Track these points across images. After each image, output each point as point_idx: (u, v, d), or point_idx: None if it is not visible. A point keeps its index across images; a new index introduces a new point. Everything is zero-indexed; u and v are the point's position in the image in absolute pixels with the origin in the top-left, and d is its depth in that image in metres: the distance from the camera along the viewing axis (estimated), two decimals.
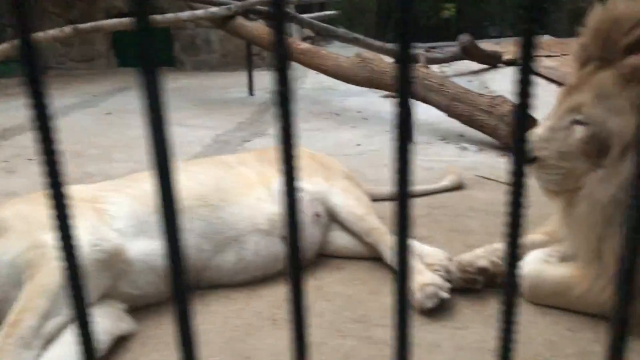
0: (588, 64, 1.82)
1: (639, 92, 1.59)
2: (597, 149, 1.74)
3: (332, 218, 2.34)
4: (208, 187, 2.14)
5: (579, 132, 1.77)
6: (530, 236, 2.24)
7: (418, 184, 3.23)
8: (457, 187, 3.21)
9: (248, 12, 6.07)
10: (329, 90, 6.59)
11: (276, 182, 2.34)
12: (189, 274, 1.90)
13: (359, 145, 4.27)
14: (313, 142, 4.42)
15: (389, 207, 2.92)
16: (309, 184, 2.35)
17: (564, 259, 2.00)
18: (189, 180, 2.15)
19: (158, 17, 5.60)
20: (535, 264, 1.96)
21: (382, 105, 5.64)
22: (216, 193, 2.13)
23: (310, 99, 6.10)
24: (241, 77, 6.94)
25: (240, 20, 5.88)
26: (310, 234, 2.23)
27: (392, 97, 5.44)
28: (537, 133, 1.91)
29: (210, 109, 5.83)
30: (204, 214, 2.05)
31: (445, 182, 3.19)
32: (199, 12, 5.86)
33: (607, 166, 1.69)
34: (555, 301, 1.91)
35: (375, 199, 3.02)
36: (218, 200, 2.11)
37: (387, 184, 3.28)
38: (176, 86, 7.25)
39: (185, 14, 5.85)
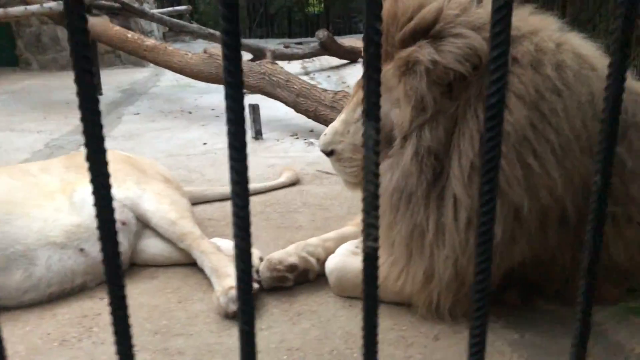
0: None
1: (412, 84, 1.62)
2: (384, 140, 1.77)
3: (145, 225, 2.20)
4: None
5: None
6: (343, 229, 2.26)
7: (258, 181, 3.18)
8: (294, 182, 3.20)
9: (91, 7, 5.68)
10: (187, 88, 6.37)
11: (81, 189, 2.16)
12: None
13: (205, 144, 4.14)
14: (157, 142, 4.22)
15: (217, 208, 2.84)
16: (118, 190, 2.20)
17: None
18: None
19: None
20: (341, 257, 1.97)
21: None
22: (1, 205, 1.92)
23: (163, 98, 5.84)
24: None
25: None
26: None
27: (250, 93, 5.38)
28: (333, 127, 1.92)
29: (50, 111, 5.38)
30: None
31: (282, 179, 3.17)
32: (33, 8, 5.37)
33: (392, 156, 1.73)
34: (359, 292, 1.90)
35: (208, 200, 2.93)
36: (3, 213, 1.90)
37: (226, 184, 3.20)
38: (17, 88, 6.63)
39: (17, 10, 5.34)
